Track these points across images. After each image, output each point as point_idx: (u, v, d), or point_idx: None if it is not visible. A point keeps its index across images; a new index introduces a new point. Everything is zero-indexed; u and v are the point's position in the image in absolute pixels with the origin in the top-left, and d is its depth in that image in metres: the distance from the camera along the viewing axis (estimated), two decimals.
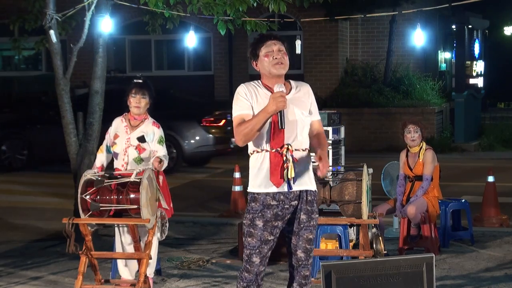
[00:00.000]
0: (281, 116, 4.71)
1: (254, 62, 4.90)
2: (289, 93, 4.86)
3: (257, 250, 4.80)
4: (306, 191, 4.84)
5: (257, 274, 4.84)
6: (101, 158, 6.78)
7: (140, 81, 6.81)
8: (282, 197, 4.78)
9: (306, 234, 4.83)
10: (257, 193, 4.80)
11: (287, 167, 4.74)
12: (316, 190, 4.95)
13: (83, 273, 6.27)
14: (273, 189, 4.77)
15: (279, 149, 4.76)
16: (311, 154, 4.92)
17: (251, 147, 4.86)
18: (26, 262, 7.95)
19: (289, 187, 4.77)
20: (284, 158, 4.75)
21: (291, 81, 4.95)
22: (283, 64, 4.81)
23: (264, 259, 4.84)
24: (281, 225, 4.83)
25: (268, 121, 4.75)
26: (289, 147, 4.77)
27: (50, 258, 8.09)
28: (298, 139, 4.82)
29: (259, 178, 4.80)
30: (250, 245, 4.81)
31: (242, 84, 4.92)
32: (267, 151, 4.78)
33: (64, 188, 12.12)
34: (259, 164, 4.80)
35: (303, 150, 4.84)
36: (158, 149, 6.66)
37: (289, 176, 4.74)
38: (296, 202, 4.82)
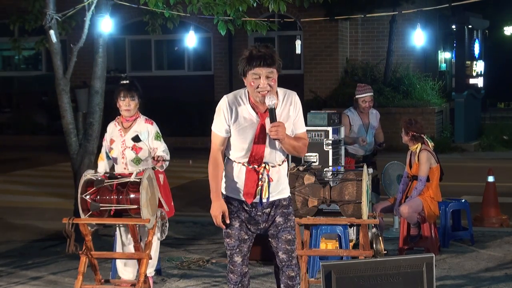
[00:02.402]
0: (272, 114, 4.65)
1: (242, 77, 4.77)
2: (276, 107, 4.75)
3: (237, 249, 4.85)
4: (280, 199, 4.88)
5: (242, 275, 4.87)
6: (103, 166, 6.76)
7: (127, 82, 6.78)
8: (254, 204, 4.83)
9: (284, 235, 4.86)
10: (232, 197, 4.85)
11: (262, 186, 4.76)
12: (290, 195, 4.98)
13: (83, 273, 6.27)
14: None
15: (256, 166, 4.76)
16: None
17: (229, 155, 4.84)
18: (26, 262, 7.95)
19: (261, 204, 4.80)
20: (260, 176, 4.76)
21: (278, 92, 4.79)
22: (268, 93, 4.65)
23: (246, 258, 4.89)
24: (254, 229, 4.87)
25: (251, 139, 4.73)
26: (267, 166, 4.77)
27: (50, 258, 8.08)
28: (276, 158, 4.82)
29: (234, 186, 4.83)
30: (229, 246, 4.88)
31: (225, 97, 4.80)
32: (244, 165, 4.78)
33: (64, 188, 12.12)
34: (236, 174, 4.81)
35: (279, 165, 4.84)
36: (157, 146, 6.66)
37: (263, 196, 4.77)
38: (269, 209, 4.86)
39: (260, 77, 4.65)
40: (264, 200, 4.80)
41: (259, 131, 4.73)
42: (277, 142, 4.73)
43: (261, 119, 4.74)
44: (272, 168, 4.80)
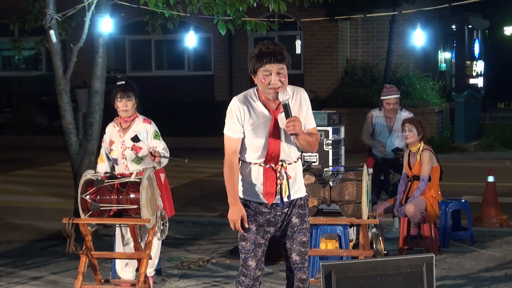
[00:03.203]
0: (286, 109, 4.65)
1: (252, 76, 4.77)
2: (282, 111, 4.74)
3: (252, 254, 4.80)
4: (297, 198, 4.86)
5: (255, 279, 4.83)
6: (103, 167, 6.76)
7: (123, 82, 6.75)
8: (274, 205, 4.79)
9: (299, 237, 4.83)
10: (249, 201, 4.81)
11: (281, 184, 4.74)
12: (307, 194, 4.96)
13: (83, 273, 6.27)
14: (265, 201, 4.78)
15: (273, 165, 4.74)
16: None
17: (244, 157, 4.80)
18: (26, 262, 7.95)
19: (282, 203, 4.77)
20: (278, 174, 4.74)
21: (288, 89, 4.79)
22: (279, 88, 4.67)
23: (260, 263, 4.84)
24: (273, 231, 4.84)
25: (265, 138, 4.72)
26: (284, 163, 4.75)
27: (50, 258, 8.08)
28: (292, 155, 4.81)
29: (252, 189, 4.79)
30: (244, 249, 4.82)
31: (236, 98, 4.78)
32: (260, 165, 4.76)
33: (64, 188, 12.12)
34: (254, 176, 4.77)
35: (295, 162, 4.83)
36: (156, 145, 6.66)
37: (284, 195, 4.74)
38: (287, 209, 4.83)
39: (271, 74, 4.66)
40: (285, 199, 4.77)
41: (273, 128, 4.72)
42: (292, 138, 4.73)
43: (274, 116, 4.74)
44: (288, 165, 4.78)
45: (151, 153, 6.53)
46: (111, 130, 6.77)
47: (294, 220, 4.82)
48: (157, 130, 6.75)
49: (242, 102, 4.75)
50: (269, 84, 4.65)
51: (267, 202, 4.76)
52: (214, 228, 9.59)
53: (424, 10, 12.97)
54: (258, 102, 4.75)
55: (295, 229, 4.82)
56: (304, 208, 4.87)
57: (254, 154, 4.76)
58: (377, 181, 8.77)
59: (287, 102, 4.64)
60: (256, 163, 4.76)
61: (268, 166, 4.74)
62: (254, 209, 4.79)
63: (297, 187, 4.84)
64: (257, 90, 4.78)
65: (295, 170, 4.83)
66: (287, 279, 4.96)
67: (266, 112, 4.74)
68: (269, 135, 4.72)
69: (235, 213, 4.74)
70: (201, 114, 20.72)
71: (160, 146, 6.66)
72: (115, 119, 6.81)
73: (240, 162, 4.81)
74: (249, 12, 9.46)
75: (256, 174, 4.76)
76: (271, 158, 4.74)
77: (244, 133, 4.75)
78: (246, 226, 4.75)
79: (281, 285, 6.89)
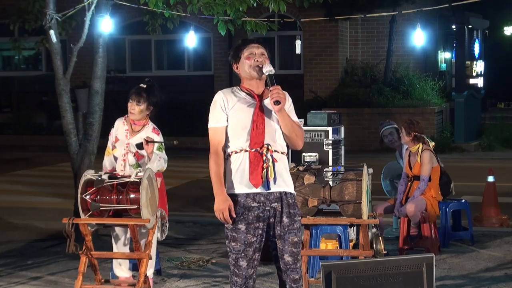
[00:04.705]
0: (272, 79, 4.76)
1: (235, 65, 4.94)
2: (266, 97, 4.86)
3: (243, 254, 4.77)
4: (286, 193, 4.83)
5: (247, 278, 4.81)
6: (110, 160, 6.74)
7: (143, 86, 6.69)
8: (262, 198, 4.76)
9: (291, 237, 4.81)
10: (237, 195, 4.77)
11: (267, 167, 4.74)
12: (295, 193, 4.95)
13: (83, 273, 6.27)
14: (253, 189, 4.75)
15: (258, 149, 4.76)
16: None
17: (228, 149, 4.82)
18: (26, 262, 7.95)
19: (267, 187, 4.75)
20: (264, 157, 4.75)
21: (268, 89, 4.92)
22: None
23: (251, 261, 4.79)
24: (263, 226, 4.80)
25: (249, 120, 4.77)
26: (269, 147, 4.77)
27: (50, 258, 8.09)
28: (277, 142, 4.83)
29: (238, 179, 4.77)
30: (235, 250, 4.79)
31: (220, 91, 4.93)
32: (246, 151, 4.77)
33: (64, 188, 12.12)
34: (238, 165, 4.77)
35: (281, 153, 4.84)
36: (158, 155, 6.63)
37: (269, 176, 4.74)
38: (276, 204, 4.79)
39: (255, 53, 4.88)
40: (274, 189, 4.74)
41: (258, 111, 4.80)
42: (276, 125, 4.78)
43: (258, 101, 4.84)
44: (275, 152, 4.80)
45: (146, 140, 6.49)
46: (119, 126, 6.71)
47: (285, 220, 4.81)
48: (163, 143, 6.73)
49: (226, 93, 4.92)
50: (254, 61, 4.83)
51: (254, 187, 4.73)
52: (214, 228, 9.59)
53: (424, 10, 12.97)
54: (242, 92, 4.90)
55: (286, 229, 4.80)
56: (294, 207, 4.86)
57: (239, 140, 4.79)
58: None
59: (271, 73, 4.77)
60: (241, 150, 4.78)
61: (253, 150, 4.76)
62: (243, 205, 4.75)
63: (285, 178, 4.83)
64: (239, 86, 4.96)
65: (282, 160, 4.83)
66: (279, 278, 4.94)
67: (250, 97, 4.86)
68: (253, 118, 4.78)
69: (222, 203, 4.73)
70: (201, 114, 20.65)
71: (162, 156, 6.63)
72: (126, 116, 6.75)
73: (226, 157, 4.83)
74: (249, 12, 9.46)
75: (241, 160, 4.77)
76: (255, 143, 4.76)
77: (228, 120, 4.82)
78: (234, 215, 4.72)
79: None
